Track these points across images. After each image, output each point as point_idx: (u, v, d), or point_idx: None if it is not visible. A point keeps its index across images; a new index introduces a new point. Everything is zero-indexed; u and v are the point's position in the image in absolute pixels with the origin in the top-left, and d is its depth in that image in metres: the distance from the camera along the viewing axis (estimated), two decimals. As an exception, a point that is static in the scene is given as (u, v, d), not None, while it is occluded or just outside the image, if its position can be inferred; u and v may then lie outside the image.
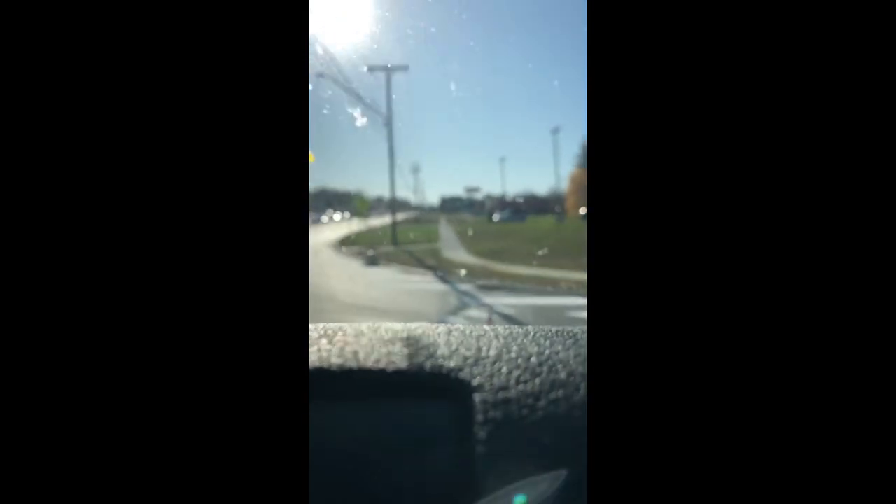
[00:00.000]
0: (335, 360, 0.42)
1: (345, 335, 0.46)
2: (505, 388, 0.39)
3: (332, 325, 0.48)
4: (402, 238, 14.95)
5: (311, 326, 0.47)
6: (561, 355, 0.42)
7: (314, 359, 0.42)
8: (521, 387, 0.39)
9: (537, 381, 0.39)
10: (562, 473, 0.32)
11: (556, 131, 33.67)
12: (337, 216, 33.61)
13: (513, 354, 0.42)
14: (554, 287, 7.08)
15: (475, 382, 0.39)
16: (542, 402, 0.37)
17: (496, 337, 0.46)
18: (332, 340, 0.45)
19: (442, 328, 0.48)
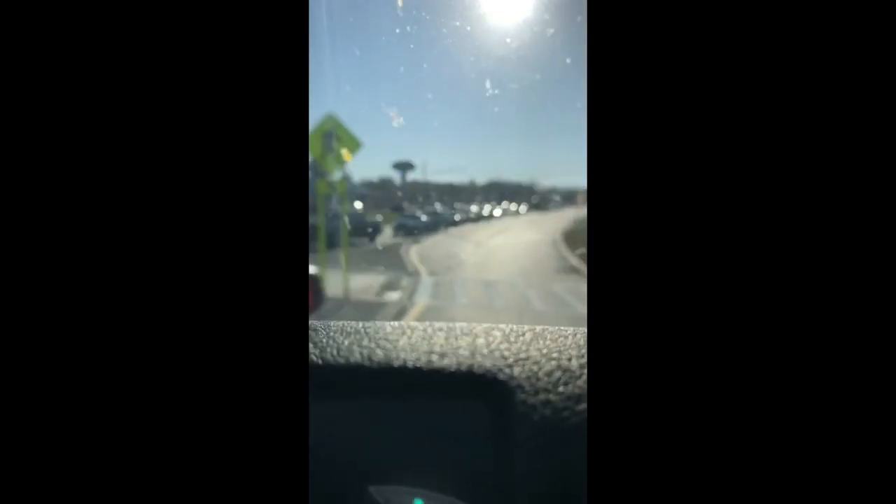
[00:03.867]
0: (376, 357, 0.42)
1: (386, 333, 0.46)
2: (546, 389, 0.38)
3: (371, 322, 0.48)
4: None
5: (349, 323, 0.47)
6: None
7: (355, 356, 0.42)
8: (561, 388, 0.38)
9: (579, 382, 0.38)
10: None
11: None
12: (513, 207, 28.59)
13: (553, 355, 0.41)
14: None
15: (514, 383, 0.39)
16: (582, 406, 0.36)
17: (536, 337, 0.44)
18: (372, 338, 0.45)
19: (481, 327, 0.47)
